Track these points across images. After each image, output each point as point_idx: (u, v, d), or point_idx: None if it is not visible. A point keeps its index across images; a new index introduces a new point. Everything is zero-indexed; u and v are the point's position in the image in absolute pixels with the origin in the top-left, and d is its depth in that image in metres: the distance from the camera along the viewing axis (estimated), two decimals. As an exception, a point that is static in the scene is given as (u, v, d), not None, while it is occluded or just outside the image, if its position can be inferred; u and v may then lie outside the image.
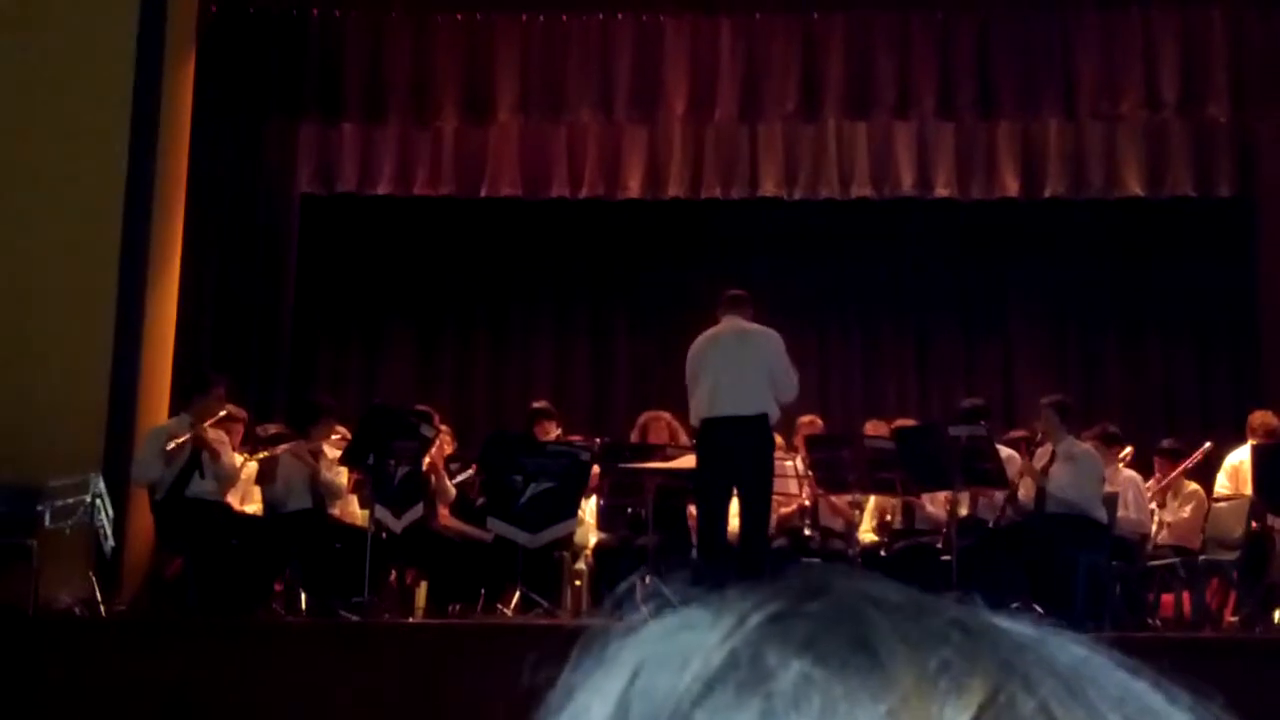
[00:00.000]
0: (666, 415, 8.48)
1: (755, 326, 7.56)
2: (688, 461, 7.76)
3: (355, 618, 7.24)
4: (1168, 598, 8.47)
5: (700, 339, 7.62)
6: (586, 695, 0.48)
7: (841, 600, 0.47)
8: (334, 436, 8.30)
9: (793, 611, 0.47)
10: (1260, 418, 8.72)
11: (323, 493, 8.01)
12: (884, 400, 10.87)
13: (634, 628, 0.49)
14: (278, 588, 7.97)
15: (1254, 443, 8.42)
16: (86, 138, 8.65)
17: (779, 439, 8.45)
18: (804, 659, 0.45)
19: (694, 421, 7.64)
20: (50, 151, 8.58)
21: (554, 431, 8.97)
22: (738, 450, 7.27)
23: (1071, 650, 0.47)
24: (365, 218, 11.10)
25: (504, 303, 11.46)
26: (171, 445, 7.55)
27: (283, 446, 8.09)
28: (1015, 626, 0.48)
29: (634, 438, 8.66)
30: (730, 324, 7.55)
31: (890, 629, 0.46)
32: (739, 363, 7.34)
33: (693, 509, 8.04)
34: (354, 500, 8.40)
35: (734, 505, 7.50)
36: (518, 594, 7.52)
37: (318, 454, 8.05)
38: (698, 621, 0.48)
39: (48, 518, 7.35)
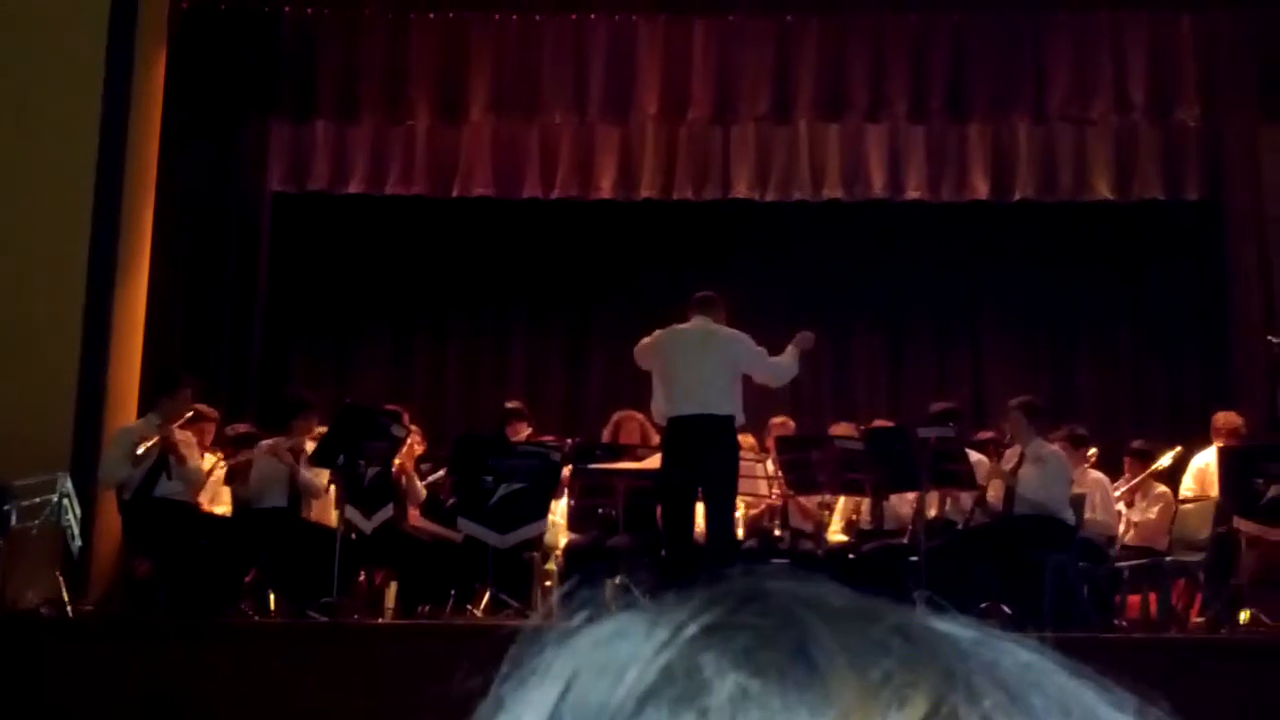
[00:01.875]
0: (639, 415, 8.47)
1: (721, 328, 7.54)
2: (658, 462, 7.76)
3: (324, 618, 7.22)
4: (1134, 598, 8.52)
5: (663, 333, 7.58)
6: (518, 706, 0.47)
7: (780, 608, 0.46)
8: (316, 432, 8.25)
9: (730, 621, 0.46)
10: (1224, 418, 8.79)
11: (301, 492, 7.97)
12: (854, 402, 10.90)
13: (567, 635, 0.48)
14: (247, 581, 7.93)
15: (1220, 445, 8.48)
16: (56, 135, 8.60)
17: (751, 440, 8.47)
18: (741, 671, 0.44)
19: (658, 419, 7.65)
20: (19, 149, 8.53)
21: (525, 432, 8.96)
22: (702, 450, 7.26)
23: (1016, 655, 0.46)
24: (337, 216, 11.06)
25: (476, 302, 11.43)
26: (142, 449, 7.51)
27: (263, 444, 8.05)
28: (958, 631, 0.47)
29: (606, 437, 8.65)
30: (697, 323, 7.53)
31: (830, 638, 0.45)
32: (704, 363, 7.33)
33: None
34: (331, 501, 8.35)
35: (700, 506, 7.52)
36: (488, 595, 7.50)
37: (298, 452, 8.00)
38: (632, 630, 0.47)
39: (14, 517, 7.30)
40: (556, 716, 0.46)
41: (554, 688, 0.46)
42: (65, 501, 7.39)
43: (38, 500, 7.34)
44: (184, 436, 7.76)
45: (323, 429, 8.29)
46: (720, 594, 0.47)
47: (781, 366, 7.61)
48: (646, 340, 7.63)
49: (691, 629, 0.46)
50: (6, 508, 7.27)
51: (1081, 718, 0.45)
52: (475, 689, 0.50)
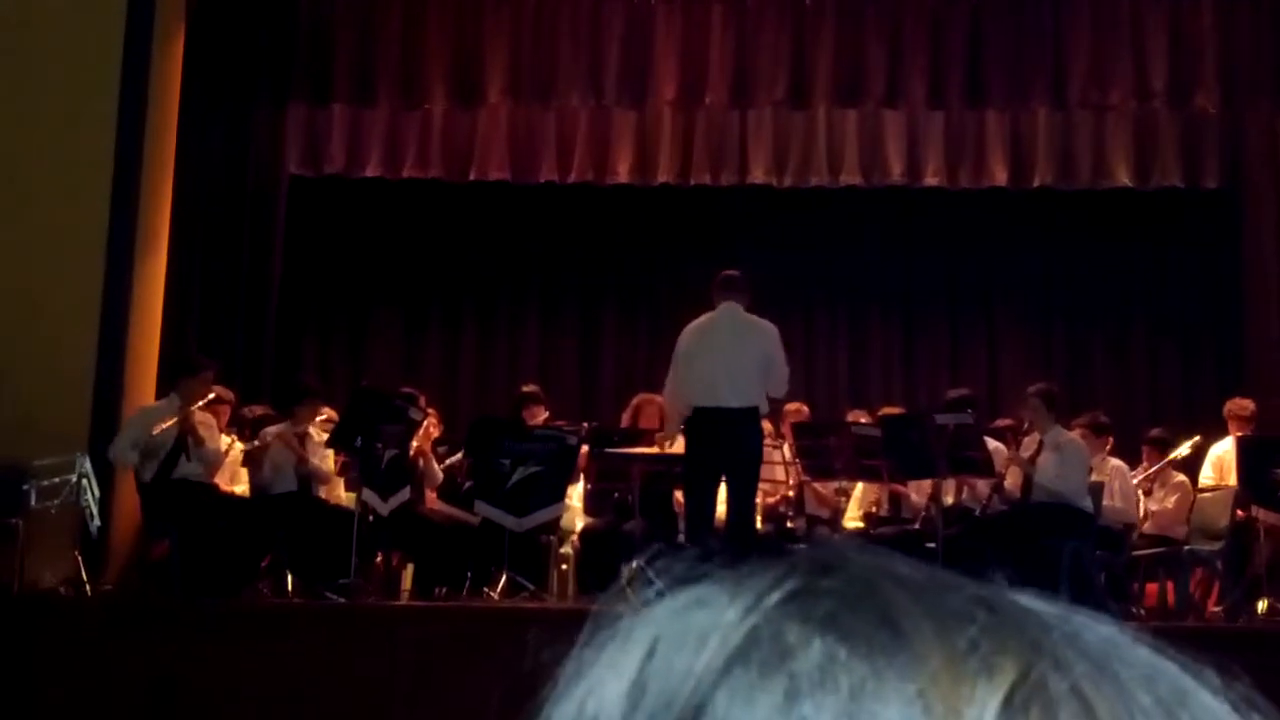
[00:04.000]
0: (659, 399, 8.46)
1: (754, 319, 7.51)
2: (674, 448, 7.76)
3: (341, 600, 7.24)
4: (1152, 587, 8.51)
5: (697, 325, 7.56)
6: (600, 672, 0.47)
7: (860, 576, 0.46)
8: (320, 418, 8.29)
9: (811, 588, 0.46)
10: (1237, 404, 8.79)
11: (309, 478, 8.00)
12: (870, 388, 10.89)
13: (645, 605, 0.48)
14: (263, 569, 7.96)
15: (1238, 434, 8.46)
16: (74, 119, 8.61)
17: (767, 426, 8.46)
18: (827, 637, 0.44)
19: (672, 401, 7.62)
20: (38, 133, 8.55)
21: (542, 415, 8.97)
22: (729, 440, 7.26)
23: (1097, 629, 0.46)
24: (353, 200, 11.06)
25: (492, 286, 11.44)
26: (158, 430, 7.53)
27: (271, 431, 8.07)
28: (1039, 605, 0.47)
29: (625, 420, 8.66)
30: (728, 312, 7.49)
31: (914, 606, 0.45)
32: (736, 354, 7.31)
33: (679, 495, 8.04)
34: (340, 483, 8.39)
35: (720, 493, 7.52)
36: (504, 577, 7.52)
37: (304, 438, 8.03)
38: (713, 599, 0.47)
39: (34, 497, 7.33)
40: (640, 682, 0.45)
41: (637, 653, 0.46)
42: (84, 482, 7.42)
43: (57, 481, 7.37)
44: (203, 418, 7.79)
45: (328, 414, 8.31)
46: (797, 563, 0.47)
47: (786, 378, 7.57)
48: (684, 335, 7.56)
49: (774, 596, 0.46)
50: (26, 488, 7.31)
51: (1167, 689, 0.45)
52: (548, 663, 0.49)
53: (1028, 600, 0.47)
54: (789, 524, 8.47)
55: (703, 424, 7.29)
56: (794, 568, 0.47)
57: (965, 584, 0.47)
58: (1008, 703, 0.42)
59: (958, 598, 0.46)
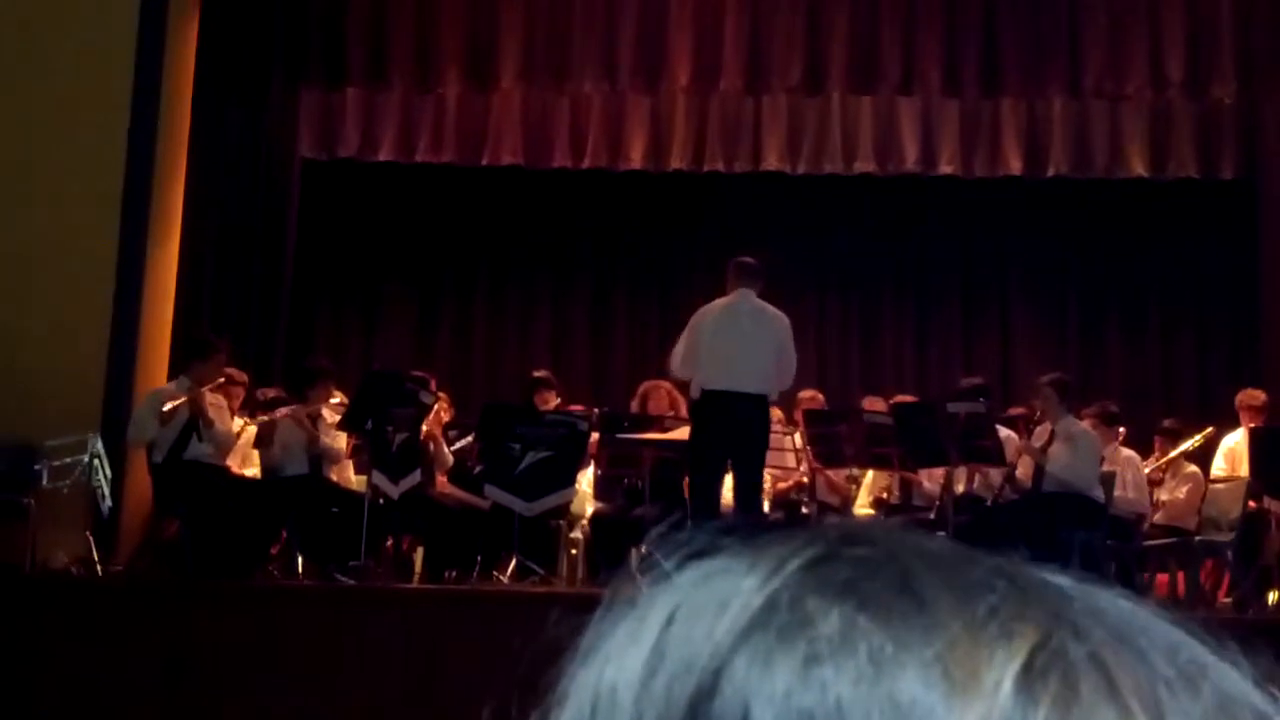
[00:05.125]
0: (667, 385, 8.47)
1: (769, 308, 7.55)
2: (685, 433, 7.76)
3: (352, 582, 7.26)
4: (1162, 578, 8.50)
5: (712, 309, 7.57)
6: (621, 639, 0.47)
7: (882, 547, 0.46)
8: (333, 401, 8.30)
9: (832, 556, 0.46)
10: (1249, 395, 8.79)
11: (321, 457, 8.01)
12: (883, 376, 10.87)
13: (665, 575, 0.48)
14: (274, 551, 7.98)
15: (1251, 425, 8.44)
16: (89, 102, 8.62)
17: (779, 413, 8.46)
18: (846, 604, 0.44)
19: (680, 373, 7.61)
20: (53, 116, 8.56)
21: (553, 401, 8.97)
22: (738, 425, 7.27)
23: (1119, 604, 0.47)
24: (366, 184, 11.07)
25: (504, 271, 11.44)
26: (168, 407, 7.55)
27: (281, 411, 8.09)
28: (1061, 579, 0.47)
29: (634, 406, 8.67)
30: (745, 299, 7.50)
31: (934, 575, 0.45)
32: (752, 341, 7.33)
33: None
34: (350, 466, 8.41)
35: (727, 480, 7.53)
36: (514, 562, 7.53)
37: (316, 418, 8.05)
38: (733, 568, 0.47)
39: (46, 477, 7.36)
40: (659, 649, 0.46)
41: (657, 621, 0.46)
42: (96, 462, 7.45)
43: (69, 461, 7.40)
44: (214, 400, 7.80)
45: (339, 396, 8.32)
46: (819, 534, 0.48)
47: (794, 370, 7.59)
48: (698, 317, 7.55)
49: (794, 564, 0.46)
50: (38, 468, 7.34)
51: (1189, 661, 0.45)
52: (564, 634, 0.49)
53: (1049, 574, 0.47)
54: (802, 510, 8.47)
55: (713, 407, 7.30)
56: (815, 537, 0.47)
57: (986, 557, 0.47)
58: (1027, 668, 0.43)
59: (978, 569, 0.46)
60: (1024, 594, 0.45)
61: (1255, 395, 8.78)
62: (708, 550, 0.49)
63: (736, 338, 7.31)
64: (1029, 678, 0.43)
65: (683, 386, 7.98)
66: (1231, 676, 0.46)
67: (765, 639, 0.44)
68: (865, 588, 0.45)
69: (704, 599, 0.46)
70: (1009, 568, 0.47)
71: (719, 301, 7.59)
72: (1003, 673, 0.43)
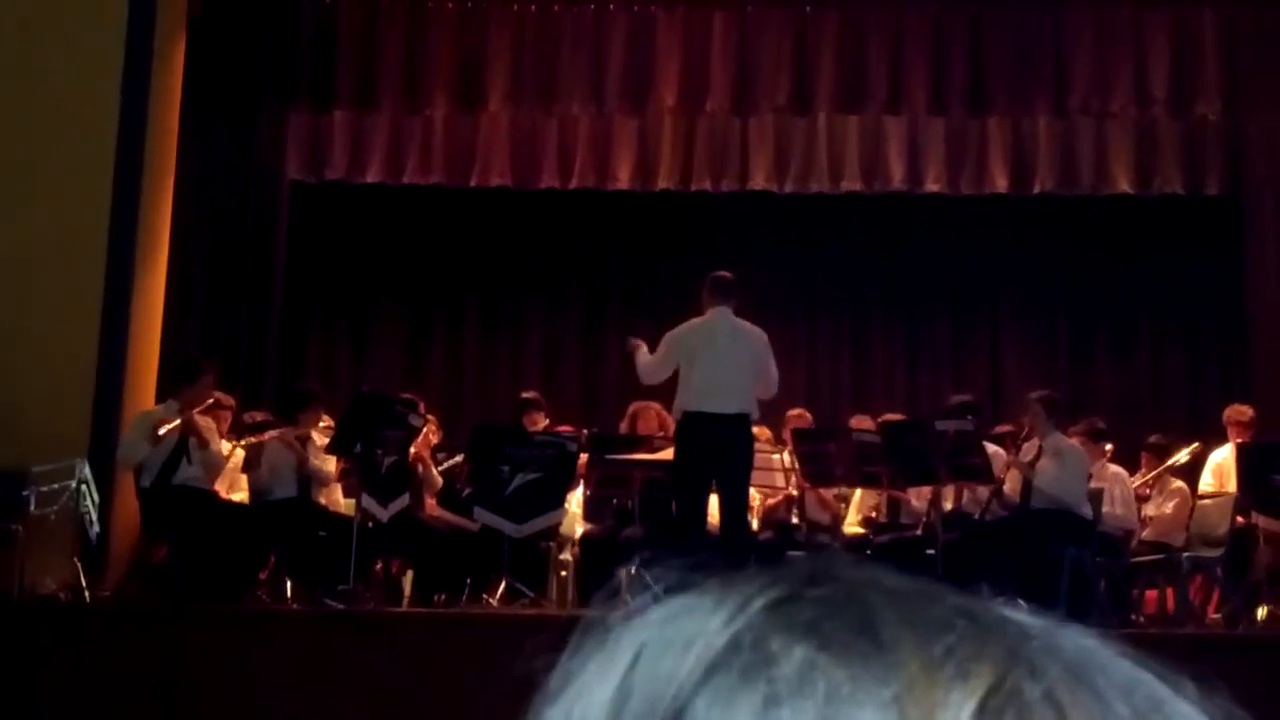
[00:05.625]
0: (656, 405, 8.48)
1: (746, 325, 7.57)
2: (674, 453, 7.76)
3: (341, 606, 7.24)
4: (1152, 594, 8.50)
5: (689, 328, 7.59)
6: (588, 679, 0.48)
7: (845, 586, 0.47)
8: (322, 424, 8.29)
9: (796, 596, 0.47)
10: (1236, 411, 8.80)
11: (310, 480, 8.00)
12: (872, 394, 10.88)
13: (635, 613, 0.49)
14: (263, 575, 7.96)
15: (1238, 440, 8.46)
16: (76, 123, 8.62)
17: (767, 432, 8.47)
18: (808, 644, 0.45)
19: (650, 380, 7.69)
20: (39, 137, 8.55)
21: (542, 422, 8.97)
22: (721, 446, 7.28)
23: (1077, 640, 0.47)
24: (355, 205, 11.07)
25: (493, 292, 11.44)
26: (163, 431, 7.53)
27: (270, 433, 8.08)
28: (1020, 616, 0.48)
29: (623, 428, 8.66)
30: (722, 317, 7.52)
31: (895, 614, 0.46)
32: (731, 360, 7.34)
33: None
34: (338, 489, 8.39)
35: (714, 500, 7.53)
36: (503, 584, 7.52)
37: (305, 440, 8.04)
38: (700, 606, 0.48)
39: (33, 503, 7.33)
40: (625, 687, 0.46)
41: (623, 660, 0.47)
42: (83, 487, 7.42)
43: (56, 486, 7.37)
44: (204, 422, 7.79)
45: (329, 421, 8.31)
46: (785, 573, 0.48)
47: (776, 382, 7.60)
48: (675, 336, 7.57)
49: (758, 604, 0.47)
50: (25, 493, 7.31)
51: (1144, 700, 0.46)
52: (539, 670, 0.50)
53: (1011, 611, 0.48)
54: (794, 529, 8.47)
55: (695, 429, 7.31)
56: (782, 577, 0.48)
57: (949, 595, 0.48)
58: (982, 708, 0.43)
59: (939, 608, 0.47)
60: (983, 633, 0.45)
61: (1243, 411, 8.81)
62: (677, 586, 0.49)
63: (715, 359, 7.31)
64: (984, 717, 0.43)
65: (672, 406, 7.98)
66: (1185, 713, 0.46)
67: (728, 679, 0.45)
68: (827, 628, 0.45)
69: (670, 637, 0.47)
70: (970, 606, 0.47)
71: (695, 321, 7.59)
72: (958, 713, 0.43)
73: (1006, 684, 0.44)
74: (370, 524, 7.68)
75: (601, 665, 0.48)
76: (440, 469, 8.67)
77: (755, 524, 8.20)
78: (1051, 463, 7.68)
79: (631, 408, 8.77)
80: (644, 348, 7.72)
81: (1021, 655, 0.45)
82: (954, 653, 0.44)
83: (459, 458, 8.70)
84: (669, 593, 0.49)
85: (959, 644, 0.45)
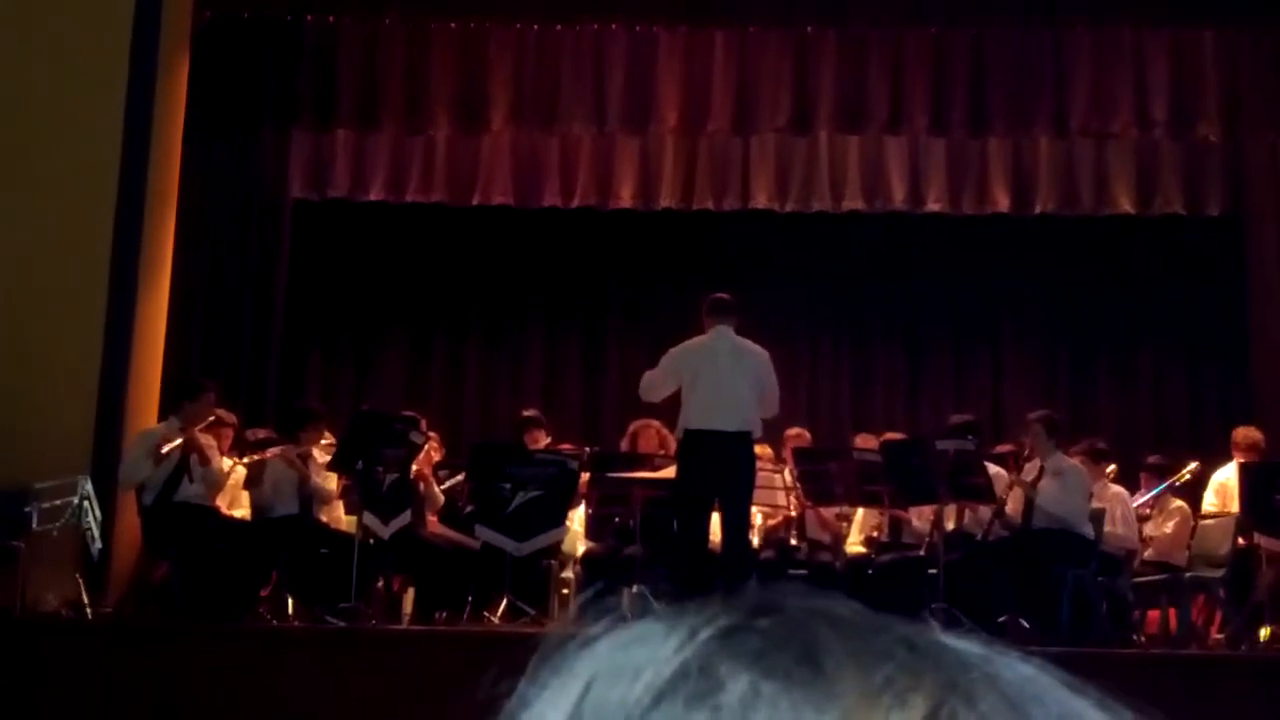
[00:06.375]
0: (656, 424, 8.49)
1: (748, 343, 7.59)
2: (675, 472, 7.76)
3: (342, 624, 7.23)
4: (1154, 614, 8.49)
5: (691, 346, 7.60)
6: (541, 706, 0.49)
7: (793, 616, 0.49)
8: (324, 442, 8.29)
9: (744, 626, 0.48)
10: (1244, 433, 8.78)
11: (311, 497, 8.00)
12: (873, 414, 10.88)
13: (589, 639, 0.51)
14: (264, 593, 7.95)
15: (1241, 460, 8.45)
16: (79, 142, 8.64)
17: (768, 451, 8.47)
18: (753, 672, 0.46)
19: (651, 397, 7.72)
20: (43, 156, 8.57)
21: (544, 440, 8.97)
22: (723, 465, 7.29)
23: (1017, 668, 0.49)
24: (357, 224, 11.09)
25: (495, 310, 11.46)
26: (165, 449, 7.54)
27: (272, 451, 8.08)
28: (962, 645, 0.49)
29: (624, 446, 8.67)
30: (723, 336, 7.54)
31: (838, 644, 0.47)
32: (732, 379, 7.35)
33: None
34: (340, 506, 8.39)
35: (714, 518, 7.53)
36: (505, 602, 7.51)
37: (307, 458, 8.05)
38: (651, 635, 0.49)
39: (35, 519, 7.34)
40: (577, 715, 0.48)
41: (575, 688, 0.49)
42: (85, 504, 7.42)
43: (58, 503, 7.37)
44: (205, 440, 7.80)
45: (331, 438, 8.32)
46: (736, 603, 0.50)
47: (777, 401, 7.62)
48: (676, 355, 7.59)
49: (706, 633, 0.48)
50: (27, 510, 7.31)
51: None
52: (501, 694, 0.52)
53: (953, 641, 0.50)
54: (794, 548, 8.46)
55: (697, 447, 7.32)
56: (732, 607, 0.50)
57: (895, 625, 0.49)
58: None
59: (883, 638, 0.48)
60: (922, 662, 0.47)
61: (1253, 434, 8.76)
62: (632, 614, 0.52)
63: (717, 377, 7.33)
64: None
65: (673, 425, 7.98)
66: None
67: (674, 706, 0.46)
68: (772, 656, 0.47)
69: (621, 665, 0.48)
70: (913, 636, 0.49)
71: (697, 340, 7.62)
72: None
73: (942, 713, 0.45)
74: (372, 541, 7.68)
75: (555, 692, 0.49)
76: (442, 487, 8.67)
77: (756, 543, 8.19)
78: (1053, 483, 7.68)
79: (632, 426, 8.78)
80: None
81: (959, 684, 0.46)
82: (893, 682, 0.46)
83: (461, 476, 8.70)
84: (622, 620, 0.51)
85: (898, 673, 0.46)
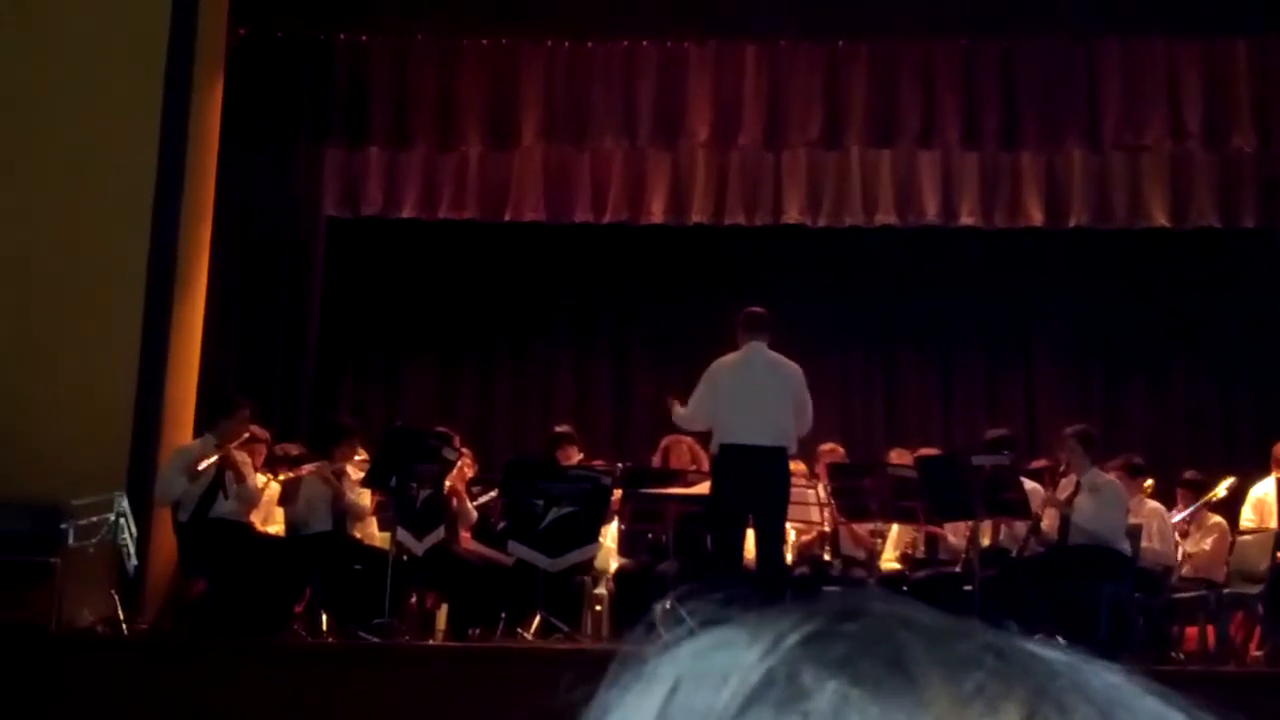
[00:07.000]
0: (688, 439, 8.48)
1: (782, 359, 7.59)
2: (708, 488, 7.75)
3: (376, 640, 7.25)
4: (1192, 630, 8.42)
5: (726, 363, 7.60)
6: (625, 711, 0.49)
7: (877, 622, 0.48)
8: (357, 458, 8.32)
9: (829, 632, 0.48)
10: (1287, 449, 8.69)
11: (345, 514, 8.02)
12: (906, 429, 10.83)
13: (670, 646, 0.50)
14: (298, 609, 7.98)
15: (1279, 475, 8.38)
16: (116, 161, 8.71)
17: (802, 466, 8.45)
18: (840, 679, 0.46)
19: (691, 425, 7.69)
20: (80, 174, 8.65)
21: (576, 456, 8.97)
22: (758, 480, 7.27)
23: (1105, 677, 0.48)
24: (390, 241, 11.14)
25: (526, 326, 11.48)
26: (203, 465, 7.59)
27: (306, 467, 8.11)
28: (1049, 653, 0.49)
29: (656, 462, 8.66)
30: (758, 352, 7.55)
31: (925, 651, 0.47)
32: (768, 394, 7.35)
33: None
34: (373, 522, 8.41)
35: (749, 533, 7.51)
36: (538, 618, 7.51)
37: (341, 475, 8.07)
38: (734, 640, 0.49)
39: (71, 536, 7.38)
40: (664, 718, 0.48)
41: (660, 693, 0.48)
42: (121, 521, 7.47)
43: (94, 520, 7.42)
44: (241, 456, 7.84)
45: (364, 455, 8.34)
46: (818, 609, 0.50)
47: (811, 418, 7.61)
48: (713, 371, 7.58)
49: (792, 639, 0.48)
50: (64, 527, 7.36)
51: None
52: (577, 701, 0.52)
53: (1039, 648, 0.49)
54: (828, 564, 8.43)
55: (733, 462, 7.31)
56: (814, 613, 0.49)
57: (980, 631, 0.49)
58: None
59: (969, 644, 0.48)
60: (1011, 670, 0.47)
61: None
62: (713, 620, 0.51)
63: (752, 392, 7.33)
64: None
65: (704, 440, 7.98)
66: None
67: (762, 712, 0.46)
68: (859, 663, 0.46)
69: (706, 670, 0.48)
70: (1000, 643, 0.48)
71: (732, 356, 7.62)
72: None
73: None
74: (405, 558, 7.70)
75: (639, 696, 0.49)
76: (475, 503, 8.68)
77: (790, 559, 8.17)
78: (1089, 499, 7.63)
79: (664, 442, 8.77)
80: (677, 404, 7.72)
81: (1049, 692, 0.46)
82: (983, 690, 0.45)
83: (494, 492, 8.71)
84: (704, 627, 0.51)
85: (988, 681, 0.46)
